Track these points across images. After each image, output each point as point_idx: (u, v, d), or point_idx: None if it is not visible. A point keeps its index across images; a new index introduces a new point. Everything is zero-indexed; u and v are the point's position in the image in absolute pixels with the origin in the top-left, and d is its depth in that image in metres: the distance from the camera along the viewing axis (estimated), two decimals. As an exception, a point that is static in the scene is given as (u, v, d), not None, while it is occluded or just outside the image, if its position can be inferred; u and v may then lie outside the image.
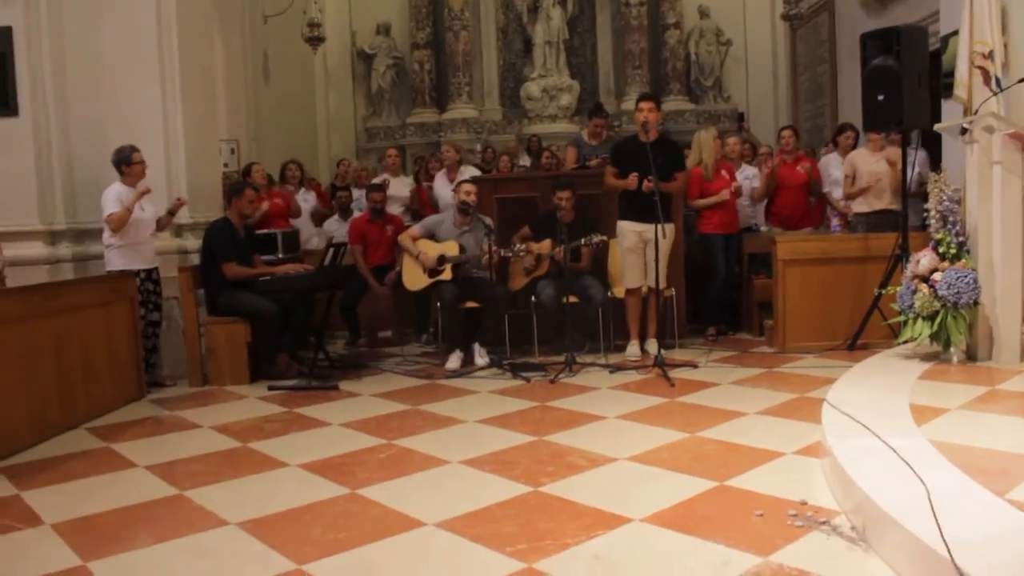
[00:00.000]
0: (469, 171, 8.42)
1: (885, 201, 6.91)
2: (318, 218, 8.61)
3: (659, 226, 5.93)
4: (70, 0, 6.47)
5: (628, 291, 6.56)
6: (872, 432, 3.53)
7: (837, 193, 7.61)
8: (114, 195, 6.00)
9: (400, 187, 8.77)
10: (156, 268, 6.35)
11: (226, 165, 8.53)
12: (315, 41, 11.91)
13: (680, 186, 6.67)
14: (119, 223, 5.96)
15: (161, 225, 6.42)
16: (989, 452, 3.31)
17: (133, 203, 6.00)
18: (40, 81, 6.29)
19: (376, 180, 8.00)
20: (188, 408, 5.58)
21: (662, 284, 6.23)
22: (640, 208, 6.21)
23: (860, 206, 7.04)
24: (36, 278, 5.95)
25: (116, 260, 6.09)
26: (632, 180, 6.23)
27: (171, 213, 6.46)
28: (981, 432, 3.59)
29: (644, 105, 6.41)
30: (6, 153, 6.20)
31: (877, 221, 6.85)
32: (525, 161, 10.41)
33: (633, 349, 6.51)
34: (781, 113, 13.34)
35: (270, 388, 6.02)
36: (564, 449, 4.18)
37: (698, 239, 7.35)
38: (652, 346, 6.43)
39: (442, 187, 8.38)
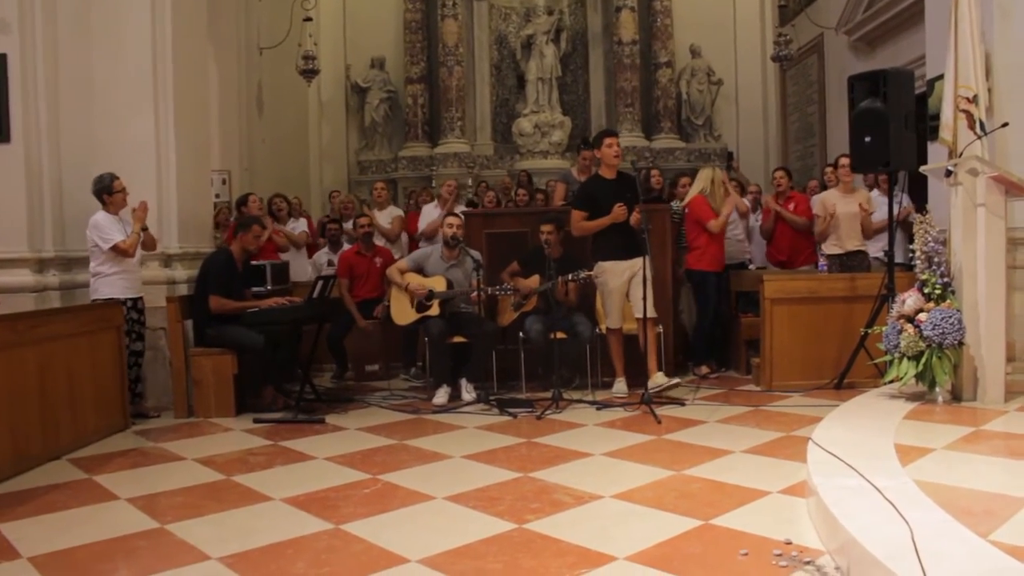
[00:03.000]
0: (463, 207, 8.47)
1: (856, 242, 7.03)
2: (309, 250, 8.62)
3: (647, 258, 5.98)
4: (65, 29, 6.49)
5: (610, 330, 6.56)
6: (857, 472, 3.53)
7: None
8: (105, 223, 6.00)
9: (384, 220, 8.78)
10: (141, 297, 6.34)
11: (218, 196, 8.56)
12: (309, 74, 12.00)
13: (637, 220, 6.72)
14: (133, 248, 6.03)
15: (148, 244, 6.38)
16: (973, 493, 3.32)
17: (139, 229, 6.07)
18: (33, 109, 6.30)
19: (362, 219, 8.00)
20: (173, 440, 5.54)
21: (651, 312, 6.18)
22: (625, 244, 6.24)
23: (832, 247, 7.12)
24: (23, 306, 5.91)
25: (103, 289, 6.08)
26: (621, 211, 6.24)
27: (144, 226, 6.39)
28: (966, 473, 3.59)
29: (614, 140, 6.49)
30: (-3, 179, 6.20)
31: (850, 263, 6.96)
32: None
33: (620, 386, 6.50)
34: (771, 152, 13.46)
35: (256, 421, 5.98)
36: (549, 486, 4.17)
37: (688, 276, 7.38)
38: (660, 379, 6.20)
39: (428, 216, 8.42)
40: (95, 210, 6.10)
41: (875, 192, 7.53)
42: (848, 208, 7.04)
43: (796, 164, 12.74)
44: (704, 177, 7.37)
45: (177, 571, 3.21)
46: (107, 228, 6.00)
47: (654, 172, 8.56)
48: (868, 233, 7.12)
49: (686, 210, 7.35)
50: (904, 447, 3.97)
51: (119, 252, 5.99)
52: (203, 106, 7.51)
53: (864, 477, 3.45)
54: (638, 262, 6.10)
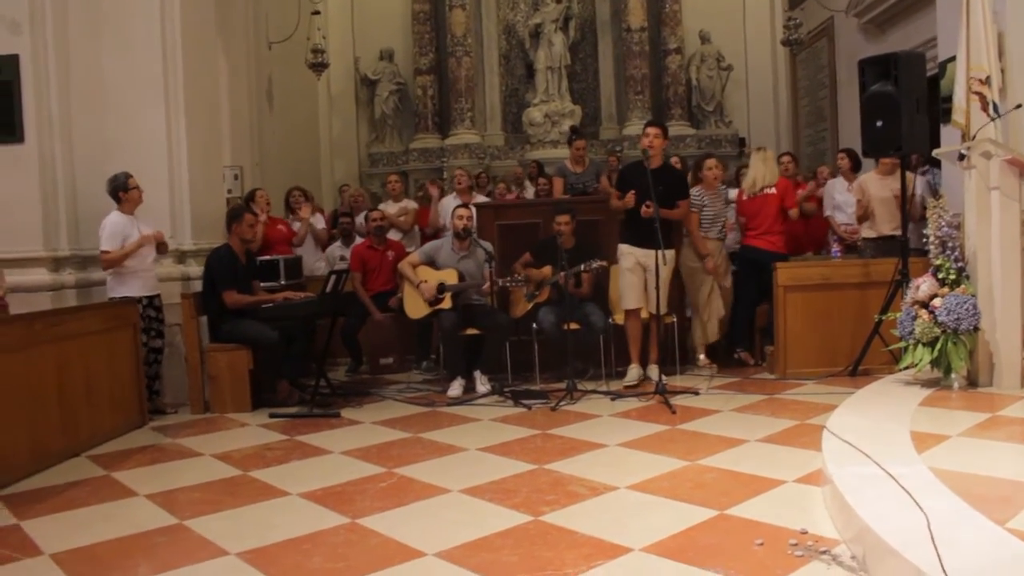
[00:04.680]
0: (481, 198, 8.46)
1: (893, 226, 6.89)
2: (323, 244, 8.64)
3: (659, 252, 5.95)
4: (76, 28, 6.52)
5: (627, 312, 6.56)
6: (872, 460, 3.52)
7: (840, 217, 7.60)
8: (111, 227, 6.03)
9: (391, 211, 8.78)
10: (158, 295, 6.37)
11: (230, 191, 8.58)
12: (319, 67, 12.02)
13: (682, 213, 6.68)
14: (111, 264, 6.02)
15: (161, 250, 6.44)
16: (990, 480, 3.30)
17: (133, 250, 6.07)
18: (46, 108, 6.33)
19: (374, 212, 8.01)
20: (189, 436, 5.58)
21: (663, 309, 6.24)
22: (640, 234, 6.24)
23: (867, 231, 7.02)
24: (39, 304, 5.96)
25: (117, 287, 6.12)
26: (630, 198, 6.25)
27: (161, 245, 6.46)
28: (982, 459, 3.58)
29: (649, 131, 6.45)
30: (11, 179, 6.22)
31: (886, 246, 6.80)
32: (527, 187, 10.43)
33: (633, 372, 6.50)
34: (782, 137, 13.39)
35: (271, 415, 6.02)
36: (564, 477, 4.18)
37: (749, 256, 7.20)
38: (653, 372, 6.44)
39: (447, 206, 8.40)
40: (110, 208, 6.14)
41: (918, 177, 7.37)
42: (884, 192, 6.89)
43: (808, 149, 12.69)
44: (772, 158, 7.34)
45: (196, 567, 3.24)
46: (106, 234, 6.01)
47: (673, 159, 8.51)
48: (913, 217, 6.84)
49: (746, 194, 7.19)
50: (920, 434, 3.96)
51: (104, 261, 6.02)
52: (213, 102, 7.54)
53: (879, 465, 3.44)
54: (650, 255, 6.11)
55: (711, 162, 7.14)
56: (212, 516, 3.84)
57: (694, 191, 7.03)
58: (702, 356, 7.13)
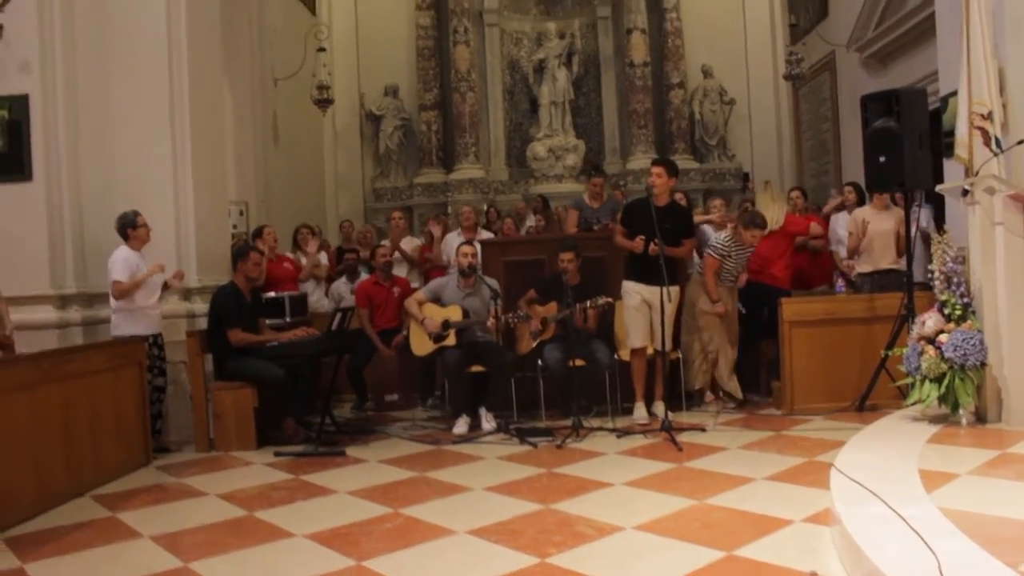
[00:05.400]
0: (486, 234, 8.49)
1: (889, 260, 6.94)
2: (327, 280, 8.67)
3: (664, 289, 5.97)
4: (85, 67, 6.58)
5: (633, 351, 6.56)
6: (881, 499, 3.50)
7: (843, 252, 7.62)
8: (122, 260, 6.06)
9: (405, 247, 8.81)
10: (160, 334, 6.39)
11: (235, 227, 8.63)
12: (324, 103, 12.09)
13: (687, 251, 6.72)
14: (123, 294, 6.03)
15: (168, 287, 6.48)
16: (1000, 520, 3.28)
17: (144, 280, 6.10)
18: (55, 147, 6.39)
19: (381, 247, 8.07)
20: (194, 475, 5.57)
21: (667, 346, 6.24)
22: (646, 271, 6.27)
23: (864, 265, 7.05)
24: (46, 342, 5.98)
25: (122, 325, 6.14)
26: (639, 243, 6.29)
27: (170, 284, 6.51)
28: (992, 499, 3.56)
29: (654, 170, 6.50)
30: (19, 218, 6.28)
31: (882, 281, 6.85)
32: (531, 221, 10.46)
33: (640, 411, 6.49)
34: (786, 171, 13.43)
35: (276, 454, 6.01)
36: (571, 518, 4.16)
37: (756, 291, 7.27)
38: (659, 409, 6.42)
39: (451, 243, 8.43)
40: (116, 246, 6.17)
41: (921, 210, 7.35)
42: (882, 225, 6.93)
43: (811, 182, 12.70)
44: (780, 196, 7.45)
45: (201, 612, 3.22)
46: (117, 266, 6.04)
47: (678, 195, 8.56)
48: (902, 251, 6.88)
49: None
50: (928, 472, 3.93)
51: (113, 291, 6.04)
52: (219, 139, 7.60)
53: (888, 505, 3.42)
54: (655, 292, 6.15)
55: (756, 234, 6.79)
56: (217, 558, 3.83)
57: (722, 237, 6.97)
58: (709, 394, 7.08)
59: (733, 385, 6.99)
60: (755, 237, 6.76)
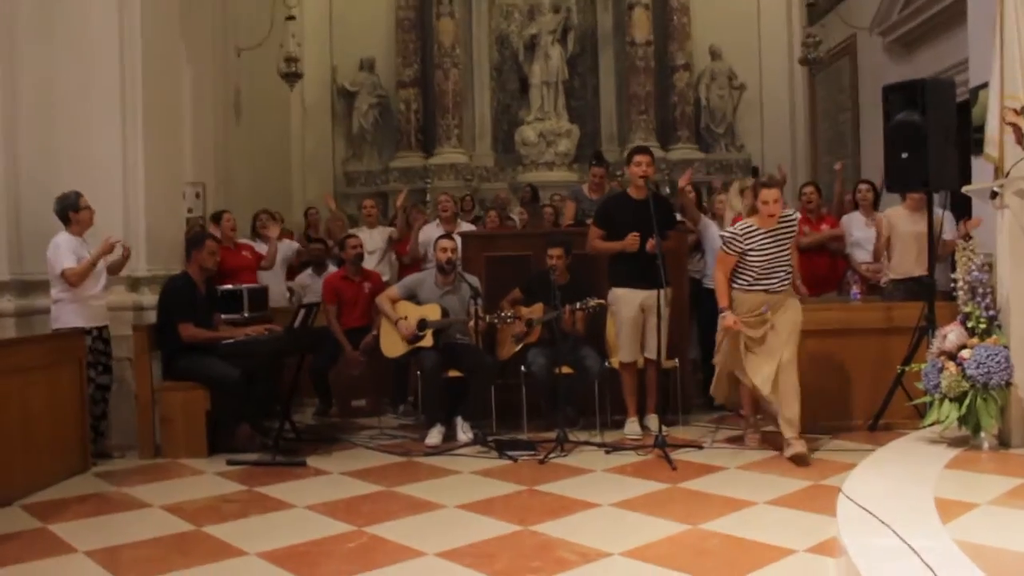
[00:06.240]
0: (467, 227, 8.48)
1: (923, 267, 6.88)
2: (290, 272, 8.63)
3: (662, 291, 5.98)
4: (25, 33, 6.52)
5: (623, 365, 6.57)
6: (892, 530, 3.52)
7: (860, 256, 7.63)
8: (65, 246, 6.01)
9: (376, 240, 8.79)
10: (106, 326, 6.35)
11: (190, 211, 8.57)
12: (292, 77, 12.05)
13: (673, 246, 6.72)
14: (80, 278, 5.98)
15: (114, 268, 6.42)
16: (1022, 556, 3.29)
17: (98, 257, 6.06)
18: (-11, 120, 6.35)
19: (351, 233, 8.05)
20: (137, 484, 5.54)
21: (661, 355, 6.24)
22: (641, 273, 6.24)
23: (896, 271, 7.01)
24: (-26, 334, 5.95)
25: (65, 317, 6.08)
26: (633, 241, 6.27)
27: (121, 263, 6.47)
28: (1014, 532, 3.57)
29: (643, 159, 6.47)
30: (-54, 196, 6.24)
31: (916, 288, 6.77)
32: (515, 214, 10.47)
33: (632, 427, 6.50)
34: (799, 165, 13.45)
35: (229, 463, 5.98)
36: (552, 541, 4.17)
37: None
38: (652, 422, 6.44)
39: (430, 236, 8.39)
40: (56, 230, 6.12)
41: (948, 213, 7.33)
42: (915, 228, 6.84)
43: (826, 177, 12.68)
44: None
45: (140, 638, 3.21)
46: (62, 253, 5.99)
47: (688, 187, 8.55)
48: (940, 257, 6.79)
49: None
50: (945, 501, 3.95)
51: (67, 280, 5.99)
52: (175, 113, 7.56)
53: (900, 536, 3.43)
54: (652, 295, 6.13)
55: (769, 196, 5.71)
56: (159, 578, 3.81)
57: (738, 226, 5.97)
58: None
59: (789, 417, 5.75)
60: (769, 205, 5.65)
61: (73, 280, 5.98)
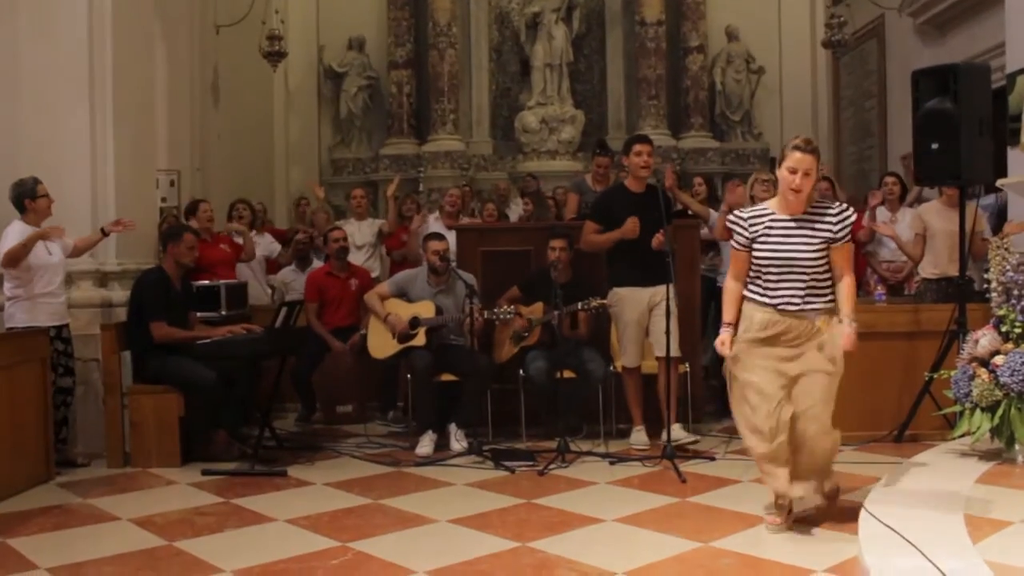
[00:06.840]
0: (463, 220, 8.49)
1: (959, 266, 6.87)
2: (275, 266, 8.62)
3: (671, 286, 5.97)
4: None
5: (627, 370, 6.55)
6: (918, 550, 3.52)
7: (883, 254, 7.62)
8: (14, 235, 5.98)
9: (366, 233, 8.78)
10: (67, 324, 6.33)
11: (164, 200, 8.57)
12: (275, 57, 12.02)
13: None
14: (10, 259, 5.91)
15: (81, 247, 6.40)
16: (1057, 579, 3.30)
17: (33, 240, 5.97)
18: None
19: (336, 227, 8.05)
20: (104, 495, 5.54)
21: (675, 351, 6.21)
22: (646, 269, 6.22)
23: (929, 270, 6.99)
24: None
25: (19, 315, 6.05)
26: (633, 227, 6.26)
27: (104, 233, 6.43)
28: (1049, 553, 3.58)
29: (643, 148, 6.48)
30: None
31: (950, 289, 6.75)
32: (517, 205, 10.44)
33: (638, 436, 6.47)
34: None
35: (205, 472, 5.98)
36: (551, 559, 4.16)
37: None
38: (678, 432, 6.23)
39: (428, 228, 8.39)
40: (11, 219, 6.10)
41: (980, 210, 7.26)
42: (949, 225, 6.81)
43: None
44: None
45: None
46: (8, 241, 5.95)
47: (697, 179, 8.55)
48: (977, 255, 6.74)
49: None
50: (976, 519, 3.96)
51: (5, 261, 5.94)
52: (148, 95, 7.56)
53: (926, 556, 3.43)
54: (660, 291, 6.10)
55: (805, 160, 4.41)
56: (126, 597, 3.81)
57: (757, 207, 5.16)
58: None
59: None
60: (796, 177, 4.35)
61: (5, 262, 5.94)
